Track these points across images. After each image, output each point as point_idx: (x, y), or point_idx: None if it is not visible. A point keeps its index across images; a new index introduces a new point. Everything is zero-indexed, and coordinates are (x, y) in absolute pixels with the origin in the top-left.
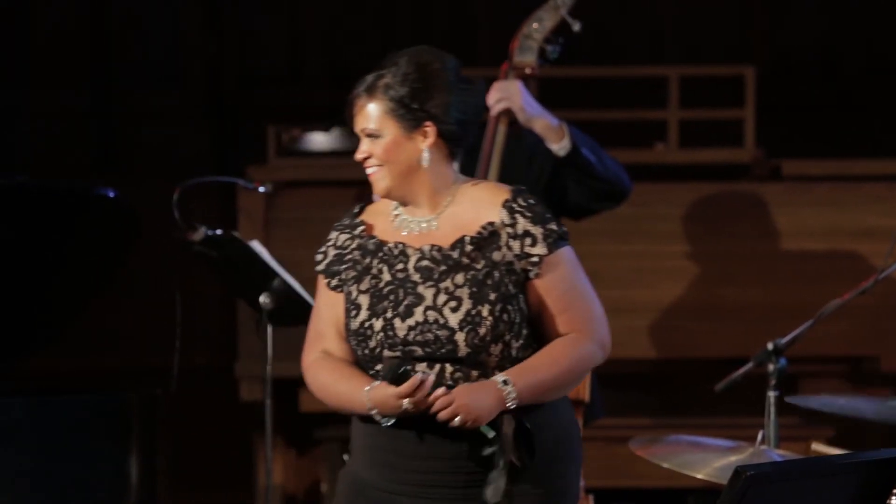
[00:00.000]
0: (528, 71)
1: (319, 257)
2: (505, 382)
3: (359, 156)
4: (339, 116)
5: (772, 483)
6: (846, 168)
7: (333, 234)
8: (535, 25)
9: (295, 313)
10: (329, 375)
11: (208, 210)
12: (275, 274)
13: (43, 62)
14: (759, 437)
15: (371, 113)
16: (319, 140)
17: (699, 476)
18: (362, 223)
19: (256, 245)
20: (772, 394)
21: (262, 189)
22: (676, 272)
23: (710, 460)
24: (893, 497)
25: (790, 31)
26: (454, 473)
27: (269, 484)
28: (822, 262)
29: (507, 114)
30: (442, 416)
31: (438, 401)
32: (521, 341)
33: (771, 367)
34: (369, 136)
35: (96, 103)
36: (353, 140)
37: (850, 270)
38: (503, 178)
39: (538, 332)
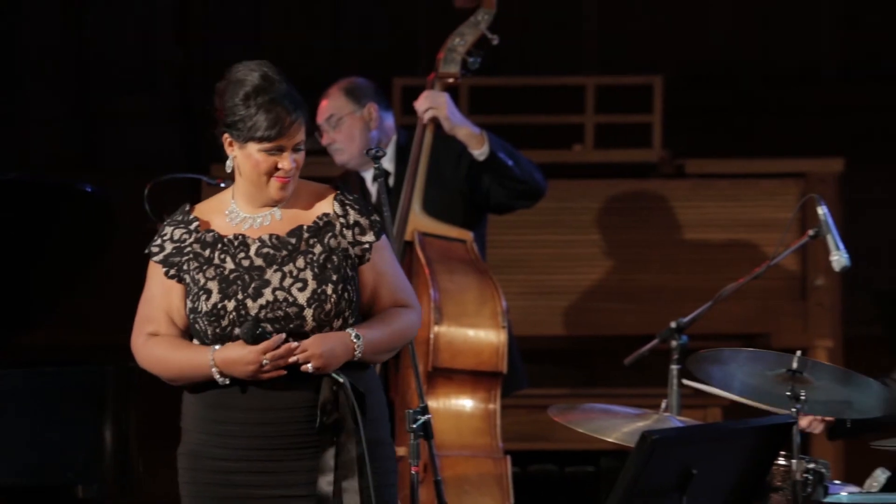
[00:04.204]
0: (451, 80)
1: (155, 249)
2: (356, 336)
3: (292, 165)
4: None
5: (674, 446)
6: (744, 167)
7: (168, 229)
8: (457, 40)
9: None
10: (165, 348)
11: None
12: None
13: (29, 70)
14: (663, 405)
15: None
16: None
17: (610, 439)
18: (196, 219)
19: None
20: (674, 367)
21: (223, 185)
22: (592, 259)
23: (620, 425)
24: (780, 458)
25: (695, 43)
26: (280, 437)
27: None
28: (722, 250)
29: (435, 121)
30: (297, 359)
31: (295, 348)
32: (354, 318)
33: (674, 343)
34: (299, 148)
35: (77, 107)
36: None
37: (748, 258)
38: (431, 178)
39: (366, 310)
